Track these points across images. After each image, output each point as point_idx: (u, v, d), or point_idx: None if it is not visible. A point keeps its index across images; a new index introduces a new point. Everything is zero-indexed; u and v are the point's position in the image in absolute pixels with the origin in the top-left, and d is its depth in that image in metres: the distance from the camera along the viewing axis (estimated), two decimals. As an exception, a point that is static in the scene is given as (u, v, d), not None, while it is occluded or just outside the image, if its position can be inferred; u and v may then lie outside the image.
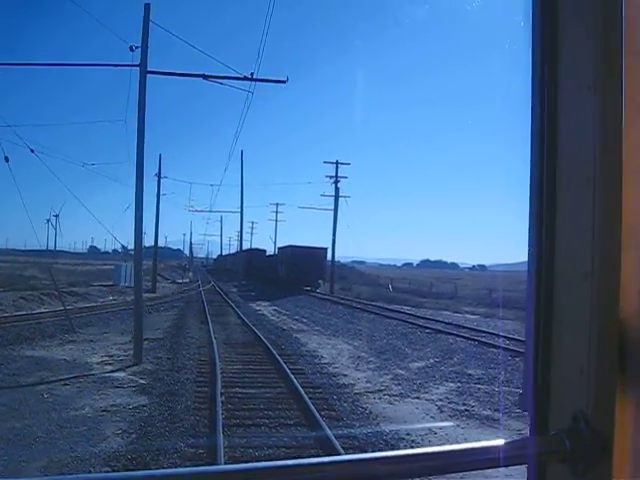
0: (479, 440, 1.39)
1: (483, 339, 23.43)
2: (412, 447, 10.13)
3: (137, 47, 20.47)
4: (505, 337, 23.67)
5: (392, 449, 9.81)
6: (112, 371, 16.48)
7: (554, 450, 1.32)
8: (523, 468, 1.46)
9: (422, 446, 9.79)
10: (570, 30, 1.42)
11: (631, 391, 1.32)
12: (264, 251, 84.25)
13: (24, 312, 28.85)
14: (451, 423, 12.04)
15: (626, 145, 1.34)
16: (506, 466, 1.34)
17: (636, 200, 1.34)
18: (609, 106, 1.34)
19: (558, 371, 1.40)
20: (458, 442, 10.09)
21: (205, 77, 21.46)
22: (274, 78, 22.54)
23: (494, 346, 21.74)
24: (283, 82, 22.38)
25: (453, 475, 1.53)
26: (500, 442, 1.31)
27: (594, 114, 1.35)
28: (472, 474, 1.47)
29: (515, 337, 23.00)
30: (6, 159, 22.21)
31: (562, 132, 1.43)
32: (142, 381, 15.23)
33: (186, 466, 8.50)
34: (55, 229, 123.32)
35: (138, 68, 20.42)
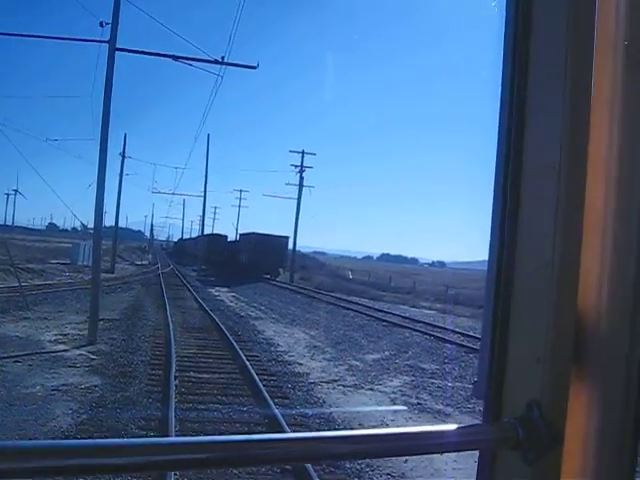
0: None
1: (438, 334, 23.64)
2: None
3: (107, 23, 20.19)
4: (460, 333, 23.93)
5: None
6: (65, 350, 16.26)
7: (506, 437, 1.32)
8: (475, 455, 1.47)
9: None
10: (543, 18, 1.42)
11: (584, 382, 1.33)
12: (225, 237, 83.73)
13: (-23, 287, 28.32)
14: (403, 414, 12.16)
15: (593, 135, 1.34)
16: (457, 451, 1.34)
17: (599, 190, 1.34)
18: (577, 96, 1.34)
19: (514, 360, 1.41)
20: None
21: (175, 58, 21.22)
22: (244, 63, 22.44)
23: (449, 342, 21.94)
24: (253, 67, 22.28)
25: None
26: (453, 427, 1.31)
27: (562, 103, 1.35)
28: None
29: (470, 334, 23.26)
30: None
31: (529, 120, 1.43)
32: (95, 361, 15.06)
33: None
34: (14, 204, 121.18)
35: (107, 44, 20.15)
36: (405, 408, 12.28)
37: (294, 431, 10.05)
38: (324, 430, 10.54)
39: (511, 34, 1.46)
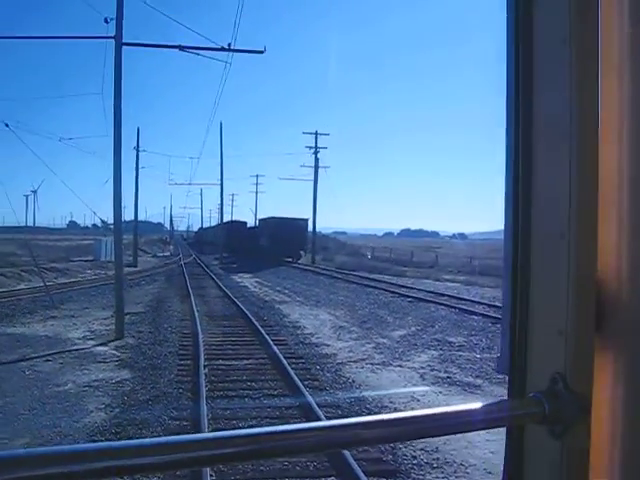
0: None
1: (463, 306, 23.62)
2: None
3: (112, 19, 20.17)
4: (485, 304, 23.87)
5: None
6: (94, 346, 16.43)
7: (532, 412, 1.31)
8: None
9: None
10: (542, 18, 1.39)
11: (608, 352, 1.31)
12: (245, 223, 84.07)
13: (3, 289, 28.65)
14: (432, 388, 12.16)
15: (603, 101, 1.31)
16: (484, 429, 1.33)
17: (613, 157, 1.31)
18: (585, 60, 1.31)
19: (536, 333, 1.39)
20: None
21: (181, 48, 21.19)
22: (252, 48, 22.38)
23: (475, 313, 21.92)
24: (261, 52, 22.20)
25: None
26: (478, 405, 1.30)
27: (570, 68, 1.32)
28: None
29: (495, 304, 23.18)
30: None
31: (537, 89, 1.41)
32: (124, 355, 15.21)
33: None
34: (34, 205, 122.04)
35: (113, 40, 20.14)
36: (427, 389, 12.27)
37: (326, 413, 10.10)
38: (356, 413, 10.61)
39: (512, 3, 1.43)
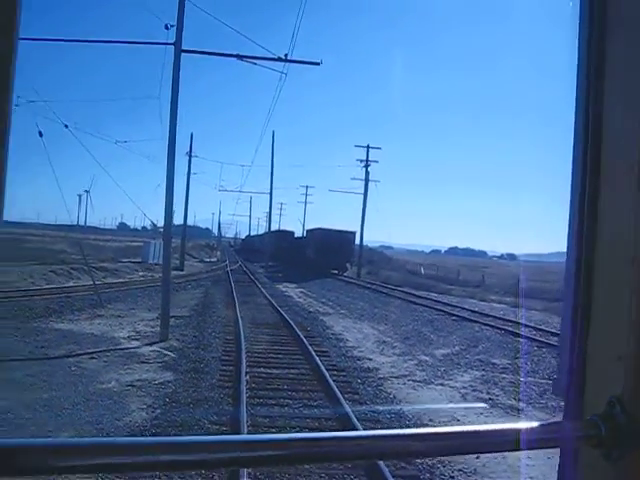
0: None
1: (509, 328, 23.28)
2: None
3: (172, 25, 20.52)
4: (532, 327, 23.50)
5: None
6: (139, 346, 16.65)
7: (589, 435, 1.29)
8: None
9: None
10: (617, 13, 1.38)
11: None
12: (292, 233, 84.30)
13: (54, 285, 29.20)
14: (474, 408, 12.02)
15: None
16: (537, 448, 1.31)
17: None
18: None
19: (595, 357, 1.37)
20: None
21: (239, 57, 21.43)
22: (308, 59, 22.51)
23: (520, 336, 21.58)
24: (317, 64, 22.31)
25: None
26: (531, 424, 1.28)
27: None
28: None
29: (542, 327, 22.83)
30: (40, 134, 22.66)
31: (607, 116, 1.39)
32: (168, 357, 15.36)
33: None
34: (86, 204, 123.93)
35: (173, 46, 20.47)
36: (484, 405, 12.15)
37: (364, 427, 10.05)
38: (394, 428, 10.54)
39: (585, 28, 1.42)
